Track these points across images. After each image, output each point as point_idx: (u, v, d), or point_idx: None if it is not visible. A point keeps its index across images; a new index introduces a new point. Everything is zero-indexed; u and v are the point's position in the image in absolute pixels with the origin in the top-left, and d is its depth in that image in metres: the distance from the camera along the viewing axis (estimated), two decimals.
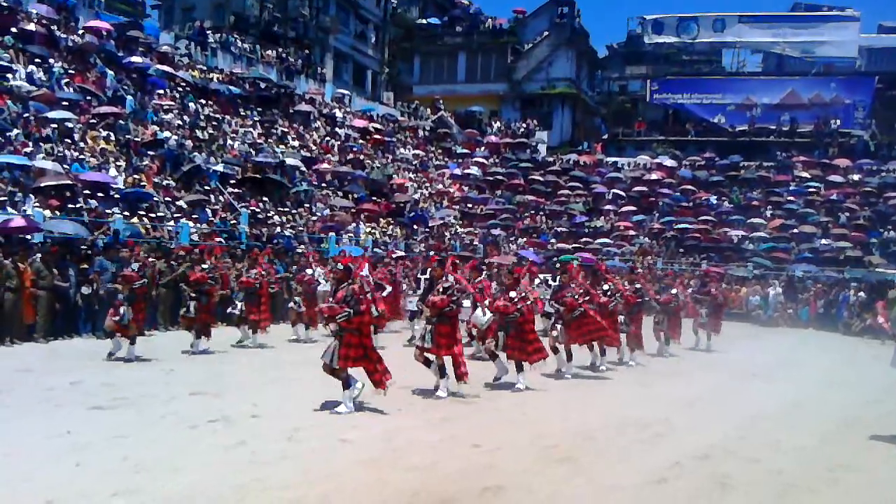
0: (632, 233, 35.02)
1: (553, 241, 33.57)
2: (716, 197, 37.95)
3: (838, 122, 43.20)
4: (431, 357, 9.91)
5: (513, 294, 10.74)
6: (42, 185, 16.85)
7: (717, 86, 47.06)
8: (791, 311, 26.12)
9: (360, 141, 34.68)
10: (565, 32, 48.85)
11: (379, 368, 8.69)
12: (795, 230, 34.10)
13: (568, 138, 48.13)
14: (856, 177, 37.75)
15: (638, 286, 14.36)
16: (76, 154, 19.20)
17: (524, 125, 45.23)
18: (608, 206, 37.37)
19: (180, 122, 24.62)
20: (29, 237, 14.67)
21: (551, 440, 7.81)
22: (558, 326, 12.10)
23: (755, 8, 49.69)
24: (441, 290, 9.64)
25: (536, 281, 16.79)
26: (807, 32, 45.86)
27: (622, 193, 38.30)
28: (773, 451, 7.84)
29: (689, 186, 38.47)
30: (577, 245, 32.44)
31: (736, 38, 47.72)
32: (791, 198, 36.78)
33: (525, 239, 33.15)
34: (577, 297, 11.78)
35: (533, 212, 36.63)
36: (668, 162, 41.07)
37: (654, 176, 39.71)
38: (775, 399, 11.05)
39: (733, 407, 10.42)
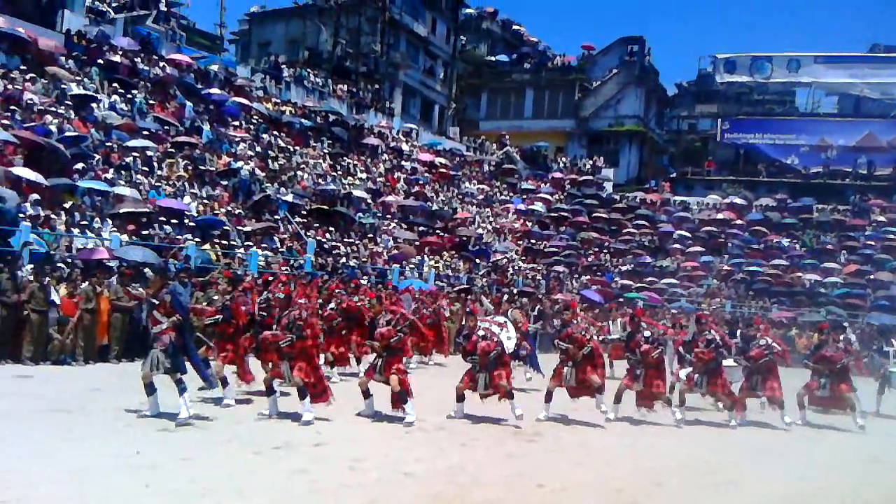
0: (699, 273, 34.29)
1: (617, 279, 33.11)
2: (788, 240, 36.96)
3: None
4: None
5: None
6: (121, 211, 17.44)
7: (791, 126, 46.04)
8: (866, 359, 25.06)
9: (426, 174, 34.97)
10: (635, 70, 48.68)
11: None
12: (871, 276, 32.89)
13: (634, 176, 47.67)
14: None
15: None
16: (153, 181, 19.86)
17: (590, 162, 44.95)
18: (675, 246, 36.73)
19: (253, 153, 25.26)
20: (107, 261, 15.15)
21: (617, 483, 7.61)
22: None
23: (831, 49, 48.28)
24: (385, 322, 10.08)
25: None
26: (886, 73, 44.59)
27: (689, 234, 37.62)
28: None
29: (760, 228, 37.54)
30: (641, 285, 31.92)
31: (811, 78, 46.67)
32: (868, 242, 35.58)
33: (588, 277, 32.78)
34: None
35: (597, 249, 36.23)
36: (739, 202, 40.23)
37: (723, 216, 38.92)
38: (851, 450, 10.57)
39: (808, 456, 10.00)
